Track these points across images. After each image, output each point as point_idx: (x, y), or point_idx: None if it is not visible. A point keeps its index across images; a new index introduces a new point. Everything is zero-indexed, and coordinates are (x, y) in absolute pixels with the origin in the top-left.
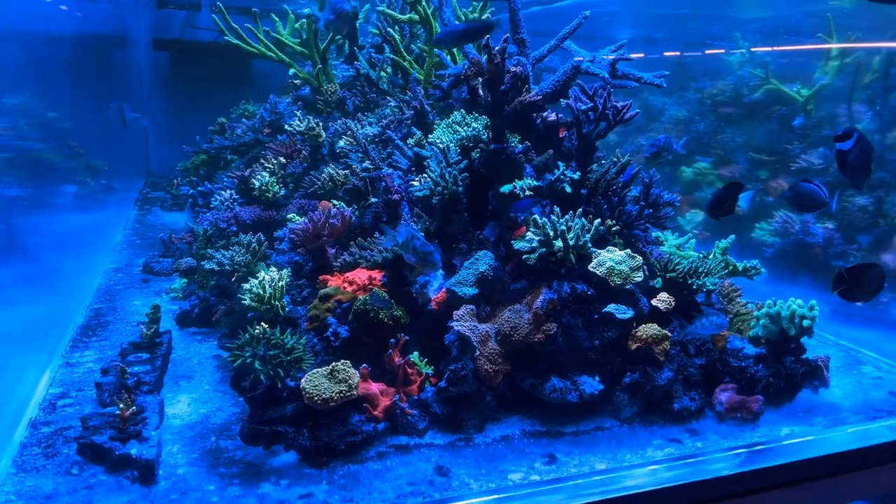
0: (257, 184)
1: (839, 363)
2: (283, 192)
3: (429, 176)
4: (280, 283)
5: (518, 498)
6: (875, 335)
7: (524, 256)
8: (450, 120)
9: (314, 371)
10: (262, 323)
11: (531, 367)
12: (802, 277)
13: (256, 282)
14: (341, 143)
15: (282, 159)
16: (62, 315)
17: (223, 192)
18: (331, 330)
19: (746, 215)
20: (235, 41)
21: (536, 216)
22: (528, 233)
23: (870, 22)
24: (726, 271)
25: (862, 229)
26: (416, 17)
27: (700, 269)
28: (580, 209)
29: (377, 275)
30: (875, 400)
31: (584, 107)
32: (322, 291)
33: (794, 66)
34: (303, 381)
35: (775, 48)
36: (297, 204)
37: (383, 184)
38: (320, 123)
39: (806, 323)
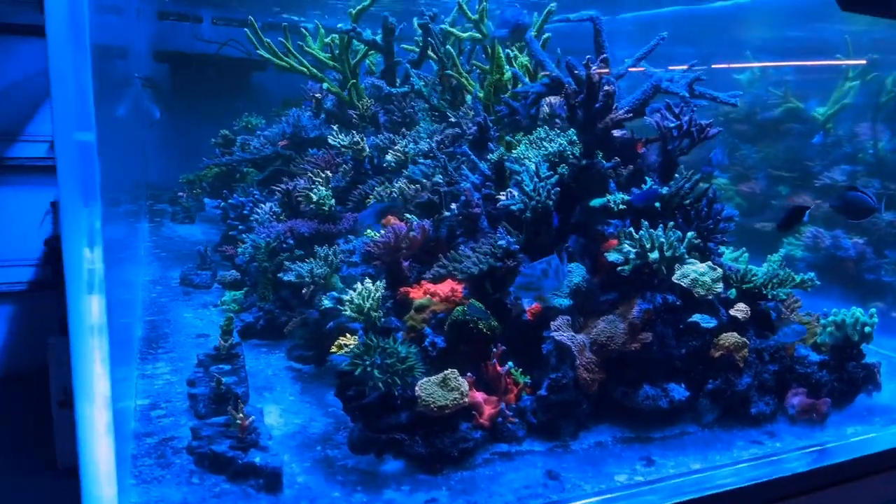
0: (315, 197)
1: (884, 370)
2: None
3: (522, 189)
4: (376, 295)
5: (629, 497)
6: None
7: (619, 268)
8: (533, 136)
9: (426, 380)
10: (370, 333)
11: (622, 375)
12: (834, 290)
13: (355, 293)
14: (388, 157)
15: (328, 173)
16: (131, 327)
17: (263, 206)
18: (428, 340)
19: (771, 231)
20: (267, 55)
21: (631, 229)
22: (625, 245)
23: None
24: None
25: (890, 244)
26: (478, 35)
27: (774, 281)
28: (671, 222)
29: (458, 287)
30: None
31: (671, 124)
32: (417, 303)
33: (806, 84)
34: (417, 389)
35: (781, 63)
36: (375, 215)
37: (463, 198)
38: (363, 137)
39: (867, 329)
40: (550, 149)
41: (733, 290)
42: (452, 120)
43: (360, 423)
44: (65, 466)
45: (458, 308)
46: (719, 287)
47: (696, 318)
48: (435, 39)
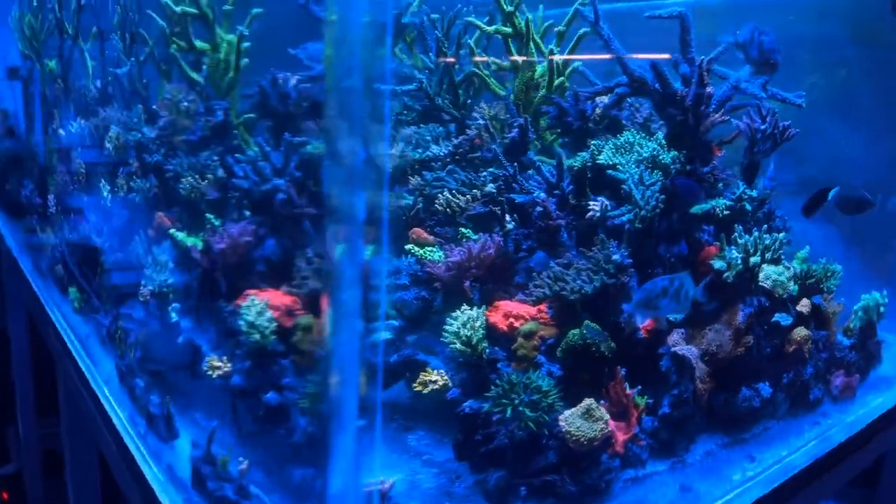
0: None
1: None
2: None
3: (631, 199)
4: (479, 324)
5: (745, 491)
6: None
7: (724, 275)
8: (621, 141)
9: (569, 412)
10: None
11: (724, 383)
12: None
13: (459, 323)
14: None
15: None
16: None
17: None
18: (544, 369)
19: None
20: None
21: (736, 235)
22: (731, 251)
23: None
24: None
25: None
26: (508, 30)
27: (827, 275)
28: (764, 226)
29: (543, 307)
30: None
31: (761, 127)
32: (524, 329)
33: None
34: (562, 423)
35: None
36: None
37: (539, 209)
38: None
39: (882, 309)
40: (644, 154)
41: (796, 287)
42: (476, 122)
43: (498, 469)
44: None
45: (573, 332)
46: (792, 286)
47: (777, 317)
48: (440, 31)
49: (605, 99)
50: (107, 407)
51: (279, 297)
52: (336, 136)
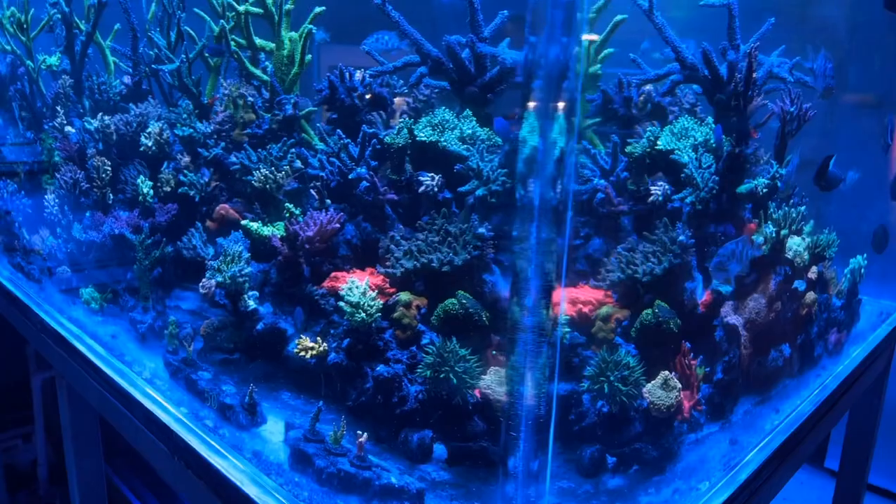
0: None
1: None
2: None
3: (694, 181)
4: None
5: (777, 435)
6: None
7: (763, 248)
8: (675, 127)
9: (650, 384)
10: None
11: (757, 347)
12: None
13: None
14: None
15: None
16: None
17: None
18: (623, 349)
19: None
20: None
21: (771, 211)
22: (769, 226)
23: None
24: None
25: None
26: (258, 10)
27: (829, 244)
28: (792, 199)
29: (609, 292)
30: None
31: (792, 109)
32: (602, 312)
33: None
34: (646, 394)
35: None
36: None
37: (601, 195)
38: None
39: (863, 271)
40: (699, 137)
41: (808, 256)
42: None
43: (591, 444)
44: None
45: (646, 312)
46: (806, 255)
47: (796, 283)
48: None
49: (650, 87)
50: (154, 408)
51: (371, 277)
52: None
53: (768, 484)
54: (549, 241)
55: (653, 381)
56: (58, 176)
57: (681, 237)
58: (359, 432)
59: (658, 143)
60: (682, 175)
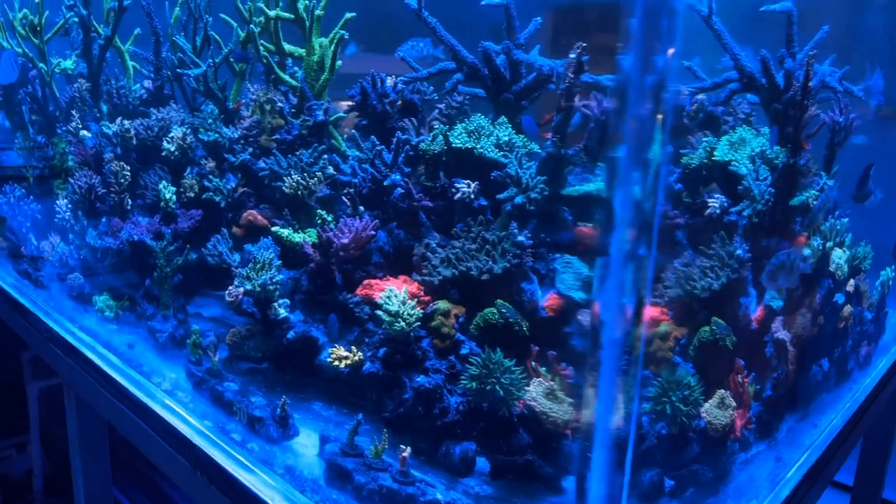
0: None
1: None
2: None
3: (751, 194)
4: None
5: (815, 450)
6: None
7: (810, 262)
8: (732, 138)
9: (707, 404)
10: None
11: (801, 362)
12: None
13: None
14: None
15: None
16: None
17: None
18: (681, 368)
19: None
20: None
21: (819, 223)
22: (816, 239)
23: None
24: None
25: None
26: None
27: (865, 256)
28: (837, 212)
29: (665, 309)
30: None
31: (841, 119)
32: (660, 330)
33: None
34: (704, 414)
35: None
36: None
37: (400, 191)
38: None
39: (891, 283)
40: (756, 148)
41: (847, 269)
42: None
43: (650, 468)
44: None
45: (703, 329)
46: (846, 268)
47: (837, 297)
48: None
49: (702, 96)
50: (175, 420)
51: (407, 285)
52: None
53: (807, 498)
54: (644, 258)
55: (710, 401)
56: (71, 181)
57: (738, 251)
58: (402, 446)
59: (714, 153)
60: (740, 187)
